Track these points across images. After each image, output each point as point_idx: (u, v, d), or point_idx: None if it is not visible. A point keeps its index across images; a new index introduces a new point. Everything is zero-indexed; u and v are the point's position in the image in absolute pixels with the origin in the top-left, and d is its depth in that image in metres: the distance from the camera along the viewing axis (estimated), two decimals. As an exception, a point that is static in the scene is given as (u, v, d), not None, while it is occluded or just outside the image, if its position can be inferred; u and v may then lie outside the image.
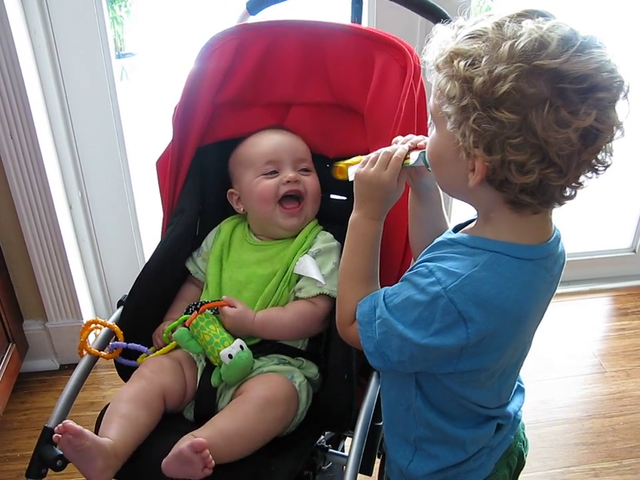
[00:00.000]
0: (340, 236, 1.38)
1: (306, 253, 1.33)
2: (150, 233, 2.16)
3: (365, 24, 1.52)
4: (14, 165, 1.89)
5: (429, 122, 1.29)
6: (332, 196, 1.47)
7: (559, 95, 0.78)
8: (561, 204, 0.89)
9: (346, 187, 1.42)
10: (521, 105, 0.79)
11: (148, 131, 3.13)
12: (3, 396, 1.93)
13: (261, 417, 1.15)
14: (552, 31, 0.79)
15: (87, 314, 2.21)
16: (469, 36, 0.84)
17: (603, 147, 0.83)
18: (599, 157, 0.84)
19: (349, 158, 1.39)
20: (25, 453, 1.87)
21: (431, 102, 0.92)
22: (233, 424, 1.13)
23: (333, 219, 1.43)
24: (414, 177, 1.05)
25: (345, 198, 1.45)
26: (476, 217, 1.00)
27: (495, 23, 0.82)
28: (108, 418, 1.14)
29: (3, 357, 1.97)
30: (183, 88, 1.38)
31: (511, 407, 1.10)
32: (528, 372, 2.18)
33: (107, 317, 1.34)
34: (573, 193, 0.87)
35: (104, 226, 2.19)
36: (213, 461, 1.05)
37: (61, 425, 1.04)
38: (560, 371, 2.20)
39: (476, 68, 0.81)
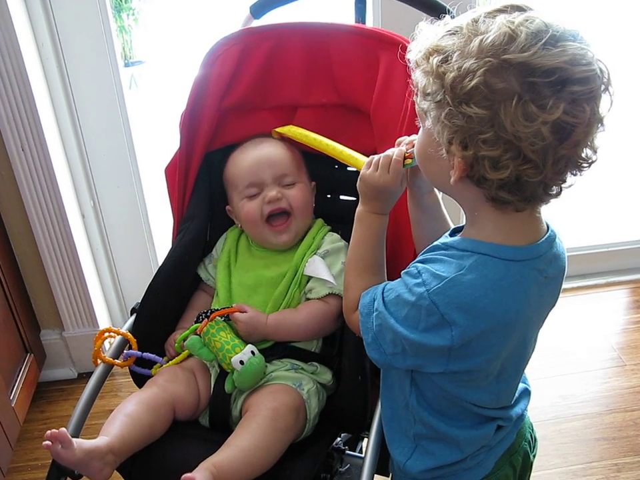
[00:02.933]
0: (349, 236, 1.37)
1: (314, 254, 1.33)
2: (163, 239, 2.17)
3: (369, 24, 1.51)
4: (26, 176, 1.90)
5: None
6: (341, 197, 1.47)
7: (528, 89, 0.78)
8: (545, 202, 0.88)
9: (355, 188, 1.42)
10: (490, 100, 0.79)
11: (158, 138, 3.14)
12: (23, 406, 1.95)
13: (274, 426, 1.14)
14: (522, 25, 0.79)
15: (103, 322, 2.22)
16: (448, 32, 0.85)
17: (583, 142, 0.81)
18: (581, 153, 0.82)
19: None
20: (46, 462, 1.85)
21: (414, 98, 0.92)
22: (250, 439, 1.12)
23: (343, 219, 1.42)
24: (408, 178, 1.06)
25: (354, 199, 1.45)
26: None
27: (471, 19, 0.83)
28: (112, 416, 1.15)
29: (21, 368, 1.98)
30: (188, 94, 1.38)
31: (514, 410, 1.08)
32: (546, 367, 2.17)
33: (123, 325, 1.35)
34: (558, 190, 0.86)
35: (117, 234, 2.20)
36: None
37: (48, 432, 1.04)
38: (579, 365, 2.18)
39: (448, 64, 0.82)
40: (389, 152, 1.04)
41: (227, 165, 1.40)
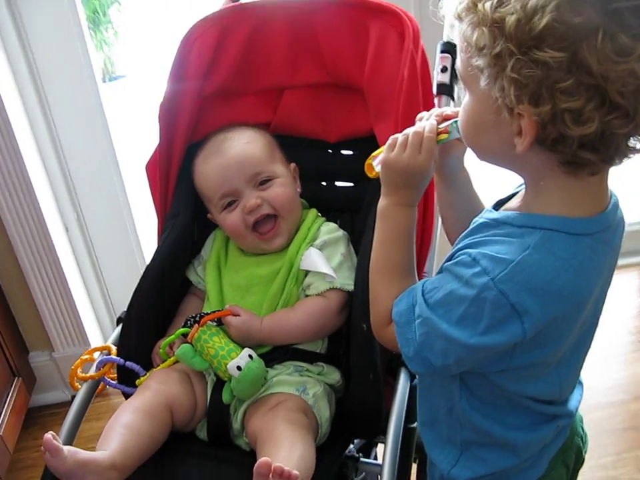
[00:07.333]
0: (347, 225, 1.28)
1: (310, 246, 1.21)
2: (151, 247, 2.06)
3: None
4: (2, 191, 1.80)
5: (434, 88, 1.19)
6: (337, 183, 1.36)
7: (613, 18, 0.66)
8: (626, 159, 0.75)
9: (352, 172, 1.32)
10: (567, 40, 0.67)
11: (138, 141, 3.04)
12: (12, 433, 1.83)
13: (299, 431, 1.03)
14: None
15: (95, 339, 2.10)
16: None
17: None
18: None
19: (351, 138, 1.30)
20: (41, 492, 1.76)
21: (458, 61, 0.80)
22: (284, 450, 0.98)
23: (340, 207, 1.32)
24: (437, 159, 0.92)
25: (350, 184, 1.34)
26: (518, 188, 0.88)
27: None
28: (107, 429, 1.04)
29: (8, 393, 1.86)
30: (166, 83, 1.28)
31: (572, 404, 0.97)
32: (566, 356, 2.05)
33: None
34: None
35: (103, 245, 2.09)
36: (295, 471, 0.90)
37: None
38: (598, 352, 2.05)
39: (506, 6, 0.69)
40: (416, 128, 0.90)
41: (194, 175, 1.27)
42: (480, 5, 0.71)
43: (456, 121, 0.87)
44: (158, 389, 1.11)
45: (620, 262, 2.41)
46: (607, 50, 0.66)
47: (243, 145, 1.23)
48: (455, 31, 0.78)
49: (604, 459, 1.74)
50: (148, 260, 2.10)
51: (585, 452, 1.05)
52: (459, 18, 0.75)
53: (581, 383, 1.02)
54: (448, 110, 0.92)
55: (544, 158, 0.76)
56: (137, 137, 3.56)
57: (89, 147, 1.96)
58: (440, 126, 0.90)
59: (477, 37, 0.72)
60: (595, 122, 0.69)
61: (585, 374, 2.00)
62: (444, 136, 0.89)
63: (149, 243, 2.11)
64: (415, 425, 1.18)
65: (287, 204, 1.22)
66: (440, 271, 0.85)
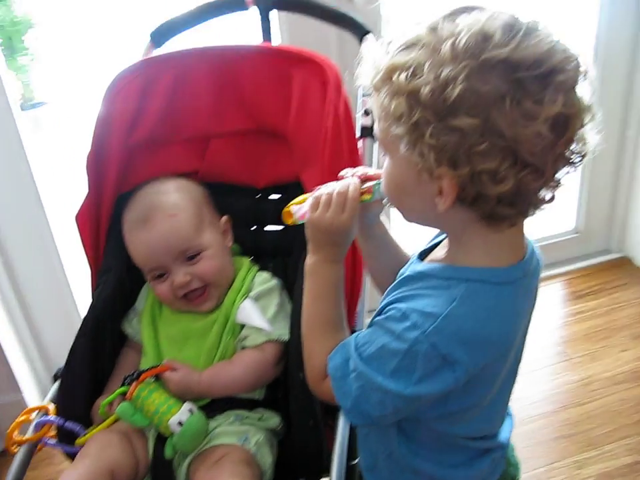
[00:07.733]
0: (280, 270, 1.31)
1: (245, 297, 1.23)
2: (85, 290, 2.02)
3: (278, 43, 1.44)
4: None
5: (358, 132, 1.23)
6: (266, 228, 1.38)
7: (517, 86, 0.71)
8: (539, 209, 0.81)
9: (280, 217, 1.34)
10: (479, 107, 0.71)
11: (67, 183, 2.98)
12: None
13: None
14: (491, 21, 0.72)
15: (28, 388, 2.04)
16: (403, 47, 0.76)
17: (575, 135, 0.75)
18: (572, 147, 0.76)
19: (279, 184, 1.33)
20: None
21: (376, 127, 0.83)
22: None
23: (270, 252, 1.35)
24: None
25: (280, 228, 1.36)
26: (440, 237, 0.93)
27: (427, 28, 0.75)
28: None
29: None
30: (92, 134, 1.27)
31: (503, 435, 1.02)
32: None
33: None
34: (553, 194, 0.80)
35: (34, 290, 2.04)
36: None
37: None
38: (526, 365, 2.13)
39: (419, 77, 0.73)
40: (340, 187, 0.93)
41: (124, 236, 1.25)
42: (395, 77, 0.75)
43: (379, 183, 0.91)
44: (97, 455, 1.10)
45: (544, 273, 2.52)
46: (515, 115, 0.71)
47: (169, 219, 1.19)
48: (371, 101, 0.81)
49: (537, 469, 1.81)
50: (80, 303, 2.09)
51: (519, 478, 1.10)
52: (376, 88, 0.78)
53: (509, 414, 1.07)
54: (371, 171, 0.95)
55: (465, 214, 0.80)
56: (64, 168, 3.50)
57: (10, 187, 1.91)
58: (363, 186, 0.93)
59: (394, 106, 0.75)
60: (510, 180, 0.74)
61: (516, 388, 2.08)
62: (367, 196, 0.92)
63: (81, 287, 2.08)
64: (357, 461, 1.21)
65: (216, 275, 1.22)
66: (370, 325, 0.88)
